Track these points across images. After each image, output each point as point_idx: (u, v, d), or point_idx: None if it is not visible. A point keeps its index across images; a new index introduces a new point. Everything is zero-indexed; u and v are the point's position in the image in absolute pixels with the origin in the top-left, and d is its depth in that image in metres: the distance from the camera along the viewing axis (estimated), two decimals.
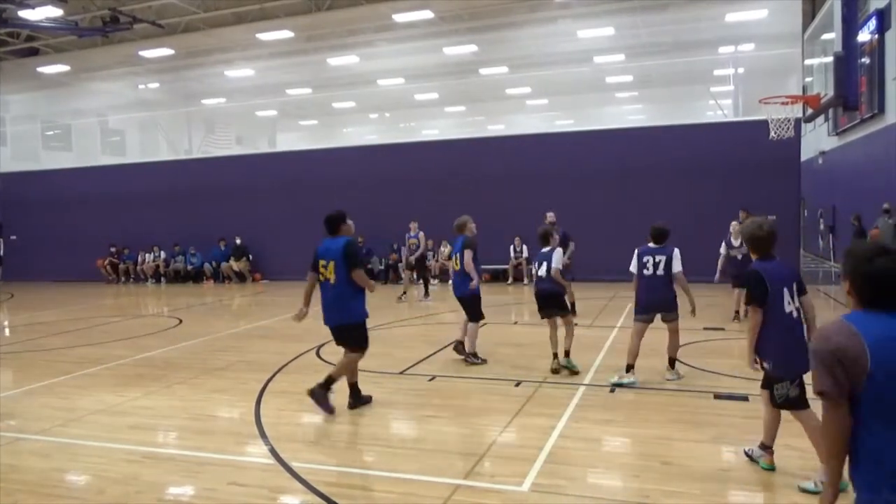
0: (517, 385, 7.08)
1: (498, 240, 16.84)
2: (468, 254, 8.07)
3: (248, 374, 7.90)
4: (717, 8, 17.13)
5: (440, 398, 6.79)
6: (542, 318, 7.72)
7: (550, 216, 11.14)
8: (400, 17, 18.04)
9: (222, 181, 20.69)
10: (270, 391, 7.13)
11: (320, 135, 28.56)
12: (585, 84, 22.32)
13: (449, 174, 18.27)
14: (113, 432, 5.88)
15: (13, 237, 23.29)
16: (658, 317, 7.05)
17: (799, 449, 4.76)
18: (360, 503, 4.36)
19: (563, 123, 24.58)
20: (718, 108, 19.36)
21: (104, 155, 25.13)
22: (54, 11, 17.41)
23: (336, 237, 6.26)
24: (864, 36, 15.34)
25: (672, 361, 7.19)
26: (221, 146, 24.36)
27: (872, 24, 15.31)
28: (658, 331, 7.21)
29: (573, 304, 10.88)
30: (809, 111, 15.36)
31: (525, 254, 17.32)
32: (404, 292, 14.26)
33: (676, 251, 6.92)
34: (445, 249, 17.26)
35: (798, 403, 4.34)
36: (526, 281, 17.15)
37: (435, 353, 8.85)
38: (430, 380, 7.47)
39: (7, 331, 13.21)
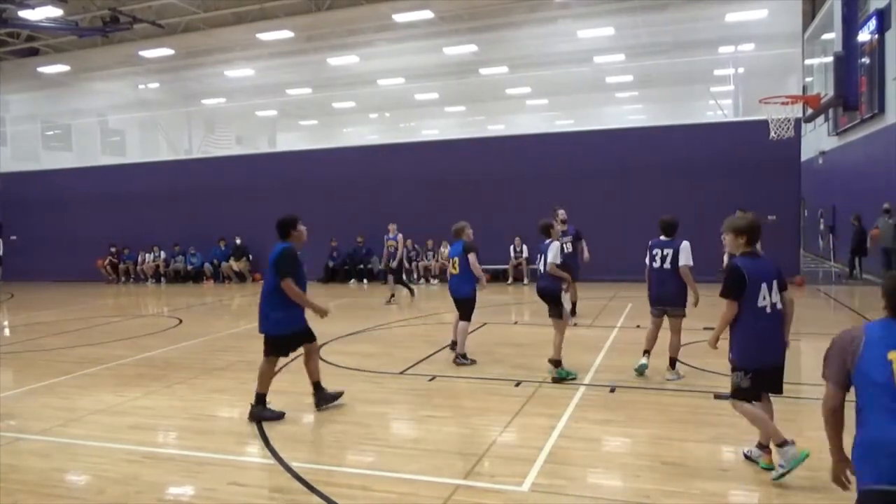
0: (517, 385, 7.08)
1: (498, 240, 16.85)
2: (473, 256, 8.15)
3: (248, 374, 7.85)
4: (717, 8, 17.13)
5: (440, 398, 6.79)
6: (550, 316, 7.53)
7: (562, 213, 11.01)
8: (400, 17, 18.04)
9: (222, 181, 20.70)
10: (270, 391, 7.09)
11: (320, 135, 28.51)
12: (585, 84, 22.32)
13: (449, 174, 18.28)
14: (113, 432, 5.88)
15: (13, 237, 23.26)
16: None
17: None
18: (360, 503, 4.35)
19: (563, 123, 24.56)
20: (718, 108, 19.35)
21: (104, 155, 25.14)
22: (54, 11, 17.43)
23: (285, 242, 6.09)
24: (864, 36, 15.35)
25: (672, 361, 7.18)
26: (221, 146, 24.33)
27: (872, 24, 15.33)
28: (660, 331, 7.23)
29: (574, 304, 10.85)
30: (809, 111, 15.37)
31: (525, 254, 17.32)
32: (392, 295, 14.28)
33: (685, 244, 6.92)
34: (445, 250, 17.27)
35: (744, 395, 4.51)
36: (526, 281, 17.17)
37: (435, 353, 8.85)
38: (431, 380, 7.47)
39: (7, 331, 13.20)
